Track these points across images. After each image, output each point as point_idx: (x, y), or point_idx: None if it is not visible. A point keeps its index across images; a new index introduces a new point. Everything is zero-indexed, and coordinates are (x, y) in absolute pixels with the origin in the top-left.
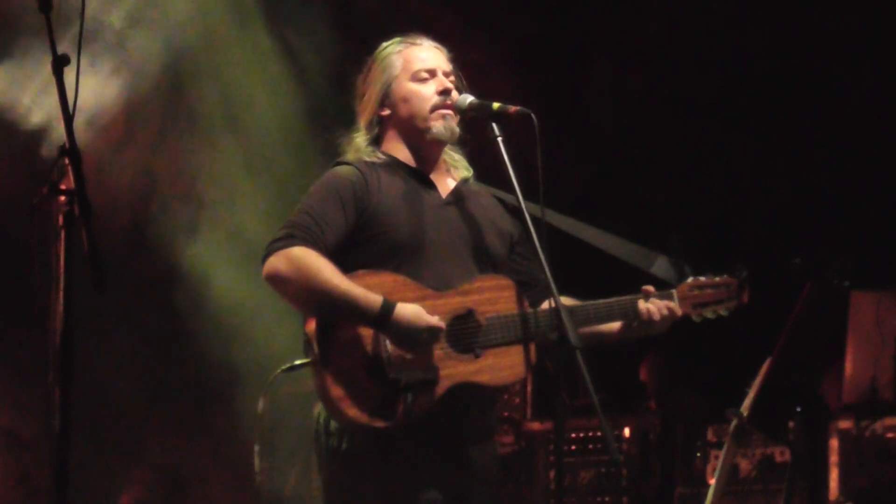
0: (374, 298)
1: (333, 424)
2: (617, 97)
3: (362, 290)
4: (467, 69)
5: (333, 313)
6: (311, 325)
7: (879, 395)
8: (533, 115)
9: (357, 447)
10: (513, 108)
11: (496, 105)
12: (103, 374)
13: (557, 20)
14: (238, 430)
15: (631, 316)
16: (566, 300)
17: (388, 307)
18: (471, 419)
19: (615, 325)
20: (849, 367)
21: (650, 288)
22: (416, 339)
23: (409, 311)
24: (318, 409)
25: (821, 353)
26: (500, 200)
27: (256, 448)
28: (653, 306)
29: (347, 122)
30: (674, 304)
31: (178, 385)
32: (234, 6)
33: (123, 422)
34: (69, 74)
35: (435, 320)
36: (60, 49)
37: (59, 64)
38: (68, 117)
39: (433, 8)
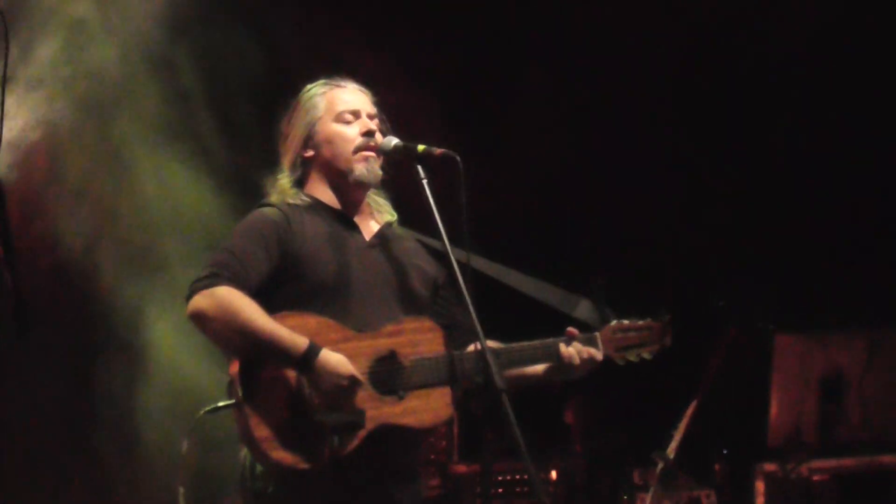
0: (300, 340)
1: (259, 468)
2: (540, 137)
3: (287, 331)
4: (392, 111)
5: (257, 353)
6: (235, 367)
7: (804, 438)
8: (458, 158)
9: (282, 490)
10: (438, 151)
11: (421, 147)
12: (21, 415)
13: (481, 60)
14: (161, 471)
15: (554, 358)
16: (490, 343)
17: (313, 350)
18: (395, 461)
19: (539, 368)
20: (773, 409)
21: (574, 330)
22: (337, 385)
23: (334, 358)
24: (244, 452)
25: (745, 395)
26: (425, 244)
27: (181, 490)
28: (574, 350)
29: (272, 164)
30: (595, 350)
31: (100, 425)
32: (154, 49)
33: (42, 463)
34: None
35: (357, 373)
36: None
37: None
38: None
39: (356, 50)
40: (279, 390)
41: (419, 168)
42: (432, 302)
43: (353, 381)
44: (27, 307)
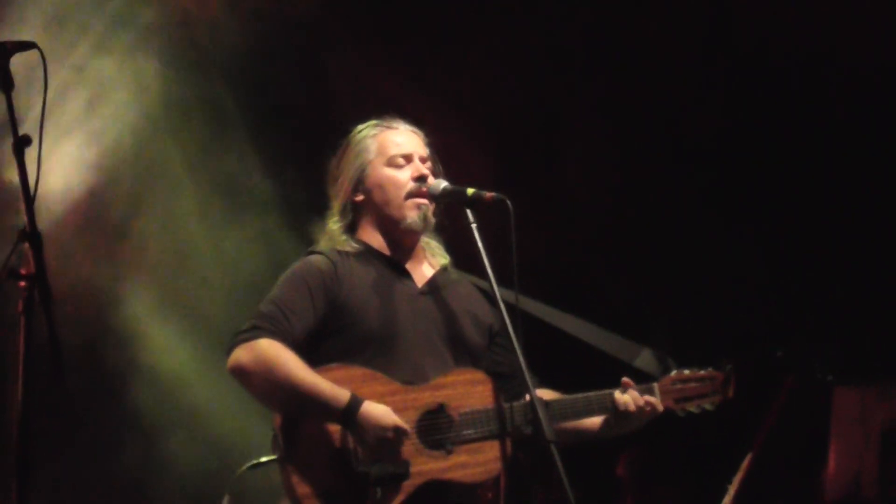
0: (342, 394)
1: None
2: (596, 180)
3: (329, 384)
4: (441, 151)
5: (299, 408)
6: (279, 420)
7: (863, 493)
8: (508, 201)
9: None
10: (488, 195)
11: (471, 191)
12: (61, 471)
13: (531, 100)
14: None
15: (610, 409)
16: (546, 393)
17: (355, 403)
18: None
19: (595, 421)
20: (832, 464)
21: (629, 381)
22: (381, 437)
23: (377, 409)
24: None
25: (803, 449)
26: (481, 290)
27: None
28: (629, 398)
29: (320, 210)
30: (654, 399)
31: (141, 481)
32: (199, 95)
33: None
34: (30, 156)
35: (401, 422)
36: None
37: (21, 145)
38: (29, 199)
39: (405, 91)
40: (323, 444)
41: (468, 212)
42: (488, 349)
43: (399, 432)
44: (62, 355)
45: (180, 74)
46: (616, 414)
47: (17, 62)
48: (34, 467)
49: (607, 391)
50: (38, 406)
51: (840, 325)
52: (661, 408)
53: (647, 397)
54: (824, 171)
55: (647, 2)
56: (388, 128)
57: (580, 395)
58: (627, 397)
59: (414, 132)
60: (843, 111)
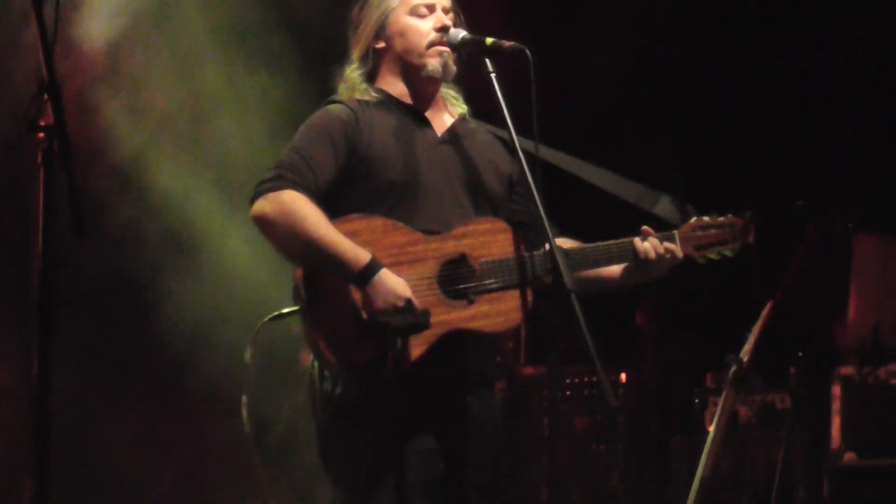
0: (362, 256)
1: (327, 370)
2: (616, 29)
3: (350, 244)
4: (464, 5)
5: (318, 263)
6: (300, 272)
7: (883, 341)
8: (527, 51)
9: (351, 392)
10: (507, 44)
11: (490, 40)
12: (82, 334)
13: None
14: (225, 380)
15: (631, 257)
16: (566, 242)
17: (372, 268)
18: (470, 366)
19: (616, 269)
20: (851, 312)
21: (649, 229)
22: (392, 305)
23: (392, 280)
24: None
25: (823, 297)
26: (500, 139)
27: (244, 399)
28: (650, 245)
29: (340, 56)
30: (674, 246)
31: (163, 330)
32: None
33: (106, 370)
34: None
35: (414, 297)
36: None
37: None
38: (48, 50)
39: None
40: (344, 295)
41: (487, 62)
42: (507, 198)
43: (409, 305)
44: (83, 205)
45: None
46: (636, 262)
47: None
48: (56, 327)
49: (627, 239)
50: (59, 260)
51: (860, 174)
52: (680, 254)
53: (668, 244)
54: (845, 19)
55: None
56: None
57: (600, 244)
58: (648, 245)
59: None
60: None
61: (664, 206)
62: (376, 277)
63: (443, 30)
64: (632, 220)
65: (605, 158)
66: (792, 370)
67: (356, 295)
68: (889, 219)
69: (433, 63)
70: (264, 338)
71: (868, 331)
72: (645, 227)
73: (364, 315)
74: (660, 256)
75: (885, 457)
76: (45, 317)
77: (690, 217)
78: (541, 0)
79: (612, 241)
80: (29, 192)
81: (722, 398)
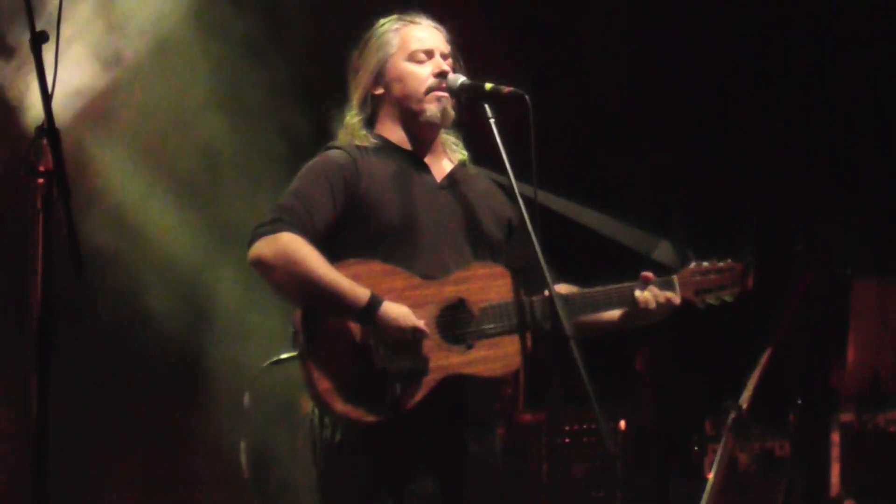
0: (362, 292)
1: (326, 416)
2: (614, 73)
3: (349, 282)
4: (462, 46)
5: (318, 304)
6: (299, 317)
7: (882, 387)
8: (526, 97)
9: (350, 438)
10: (506, 89)
11: (489, 86)
12: (79, 359)
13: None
14: (224, 425)
15: (630, 303)
16: (564, 287)
17: (375, 303)
18: (469, 409)
19: (614, 314)
20: (850, 357)
21: (649, 274)
22: (400, 338)
23: (396, 310)
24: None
25: (822, 343)
26: (500, 184)
27: (243, 445)
28: (650, 295)
29: (340, 102)
30: (672, 294)
31: (160, 375)
32: None
33: (102, 413)
34: (48, 52)
35: (421, 323)
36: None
37: (38, 41)
38: (46, 96)
39: None
40: (343, 340)
41: (486, 107)
42: (507, 244)
43: (417, 333)
44: (81, 251)
45: None
46: (636, 309)
47: None
48: (54, 367)
49: (627, 285)
50: (57, 302)
51: (859, 218)
52: (678, 302)
53: (668, 293)
54: (845, 60)
55: None
56: (411, 22)
57: (599, 289)
58: (648, 294)
59: (436, 28)
60: None
61: (663, 251)
62: (381, 311)
63: (441, 75)
64: (631, 263)
65: (603, 200)
66: (791, 417)
67: (355, 340)
68: (888, 264)
69: (432, 109)
70: (263, 383)
71: (867, 377)
72: (644, 274)
73: (363, 360)
74: (659, 304)
75: None
76: (44, 359)
77: (689, 262)
78: (539, 42)
79: (611, 287)
80: (28, 235)
81: (721, 445)
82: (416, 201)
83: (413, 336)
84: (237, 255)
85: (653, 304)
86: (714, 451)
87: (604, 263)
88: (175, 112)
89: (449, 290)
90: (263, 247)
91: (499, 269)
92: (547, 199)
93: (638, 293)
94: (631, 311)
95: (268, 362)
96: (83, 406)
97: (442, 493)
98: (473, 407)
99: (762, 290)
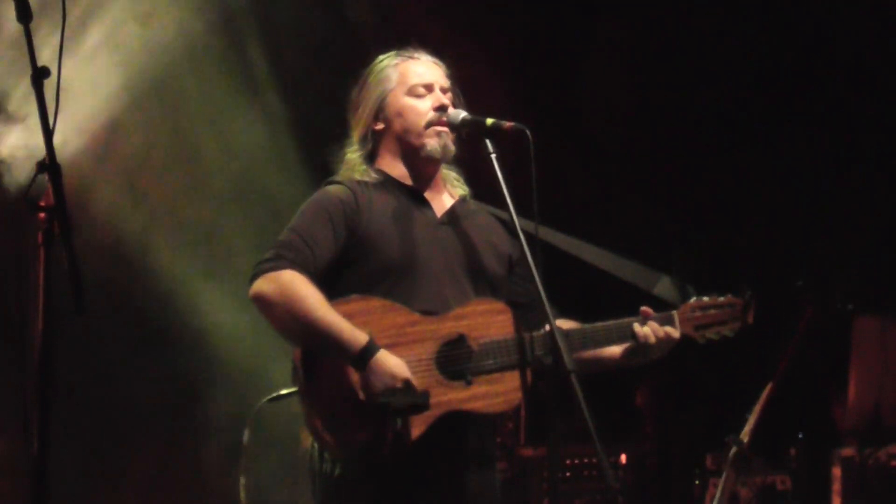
0: (360, 337)
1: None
2: (615, 109)
3: (348, 325)
4: (462, 81)
5: (315, 345)
6: (298, 353)
7: (883, 422)
8: (528, 132)
9: (350, 473)
10: (507, 125)
11: (490, 121)
12: (79, 395)
13: (550, 26)
14: (224, 460)
15: (629, 339)
16: (565, 323)
17: (370, 350)
18: (469, 444)
19: (615, 350)
20: (852, 393)
21: (648, 309)
22: (391, 387)
23: (391, 361)
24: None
25: (823, 378)
26: (500, 220)
27: (242, 480)
28: (649, 330)
29: (339, 138)
30: (672, 329)
31: (159, 409)
32: (221, 22)
33: (103, 447)
34: (49, 88)
35: (413, 377)
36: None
37: (39, 76)
38: (48, 132)
39: (425, 20)
40: (343, 376)
41: (488, 142)
42: (508, 280)
43: (408, 385)
44: (83, 286)
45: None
46: (636, 344)
47: None
48: (54, 402)
49: (627, 320)
50: (59, 338)
51: (860, 254)
52: (677, 337)
53: (667, 328)
54: (846, 98)
55: None
56: (410, 58)
57: (600, 325)
58: (647, 329)
59: (435, 63)
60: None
61: (664, 287)
62: (374, 359)
63: (441, 109)
64: (631, 299)
65: (604, 236)
66: (792, 451)
67: (354, 376)
68: (888, 300)
69: (432, 143)
70: (263, 418)
71: (868, 412)
72: (644, 308)
73: (362, 396)
74: (659, 340)
75: None
76: (44, 393)
77: (690, 297)
78: (539, 78)
79: (611, 322)
80: (28, 271)
81: (722, 480)
82: (416, 237)
83: (403, 386)
84: (237, 289)
85: (652, 339)
86: (715, 486)
87: (605, 299)
88: (174, 147)
89: (449, 325)
90: (264, 284)
91: (499, 305)
92: (548, 234)
93: (637, 328)
94: (631, 348)
95: (267, 398)
96: (82, 441)
97: None
98: (473, 442)
99: (763, 325)
